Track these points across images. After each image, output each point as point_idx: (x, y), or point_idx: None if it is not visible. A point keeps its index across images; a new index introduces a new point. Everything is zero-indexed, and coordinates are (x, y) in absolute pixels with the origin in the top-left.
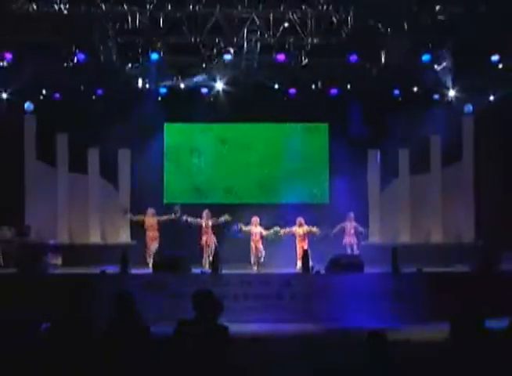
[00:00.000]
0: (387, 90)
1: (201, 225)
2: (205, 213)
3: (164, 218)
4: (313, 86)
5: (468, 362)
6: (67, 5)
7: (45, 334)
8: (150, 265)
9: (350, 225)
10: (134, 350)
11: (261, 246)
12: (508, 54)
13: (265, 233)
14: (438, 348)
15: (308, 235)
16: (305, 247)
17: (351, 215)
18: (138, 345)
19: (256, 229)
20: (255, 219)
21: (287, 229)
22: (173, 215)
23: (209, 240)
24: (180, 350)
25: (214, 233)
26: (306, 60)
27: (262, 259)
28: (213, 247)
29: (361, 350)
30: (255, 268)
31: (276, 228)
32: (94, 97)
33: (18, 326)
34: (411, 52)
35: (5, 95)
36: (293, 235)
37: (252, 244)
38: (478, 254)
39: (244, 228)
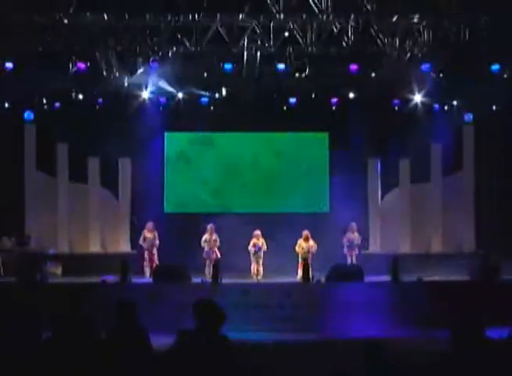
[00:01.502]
0: (387, 99)
1: (206, 240)
2: (209, 227)
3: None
4: (313, 95)
5: (469, 371)
6: (68, 15)
7: (45, 343)
8: (147, 274)
9: (352, 236)
10: (134, 360)
11: (259, 265)
12: (509, 63)
13: (264, 247)
14: (439, 357)
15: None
16: (309, 257)
17: (353, 225)
18: (138, 355)
19: (258, 242)
20: (257, 233)
21: (298, 244)
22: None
23: (212, 254)
24: (181, 360)
25: (218, 247)
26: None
27: (262, 270)
28: (214, 260)
29: (361, 359)
30: (254, 277)
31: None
32: (94, 106)
33: (17, 334)
34: (411, 61)
35: (5, 105)
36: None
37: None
38: (478, 263)
39: (252, 248)
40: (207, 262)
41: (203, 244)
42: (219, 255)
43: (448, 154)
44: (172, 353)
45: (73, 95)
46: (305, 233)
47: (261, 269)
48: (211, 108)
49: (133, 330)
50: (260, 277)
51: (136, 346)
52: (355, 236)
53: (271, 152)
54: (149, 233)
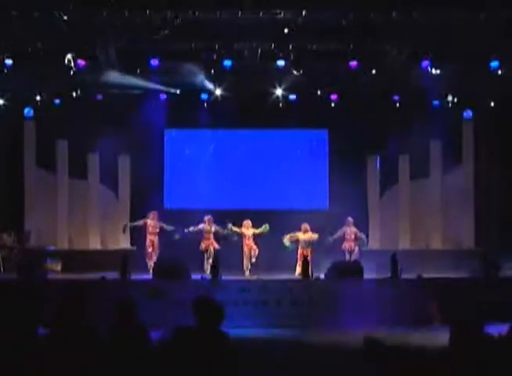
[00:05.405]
0: (386, 95)
1: (203, 231)
2: (207, 218)
3: (166, 227)
4: (314, 92)
5: (468, 367)
6: (67, 11)
7: (44, 340)
8: (150, 270)
9: (349, 231)
10: (134, 357)
11: (253, 249)
12: (508, 60)
13: (257, 231)
14: (438, 354)
15: (313, 242)
16: (309, 253)
17: (350, 219)
18: (138, 352)
19: (248, 231)
20: (247, 222)
21: (293, 234)
22: (176, 236)
23: (210, 245)
24: (181, 357)
25: (215, 239)
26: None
27: (254, 261)
28: (212, 252)
29: (360, 356)
30: (247, 273)
31: (266, 225)
32: (93, 103)
33: (16, 332)
34: (411, 58)
35: (5, 101)
36: (297, 241)
37: (245, 247)
38: (478, 260)
39: (235, 228)
40: (206, 254)
41: (192, 229)
42: (216, 246)
43: (448, 151)
44: (172, 350)
45: (73, 91)
46: (304, 225)
47: (251, 261)
48: (211, 105)
49: (132, 329)
50: (251, 271)
51: (136, 344)
52: (352, 231)
53: (270, 148)
54: (151, 221)
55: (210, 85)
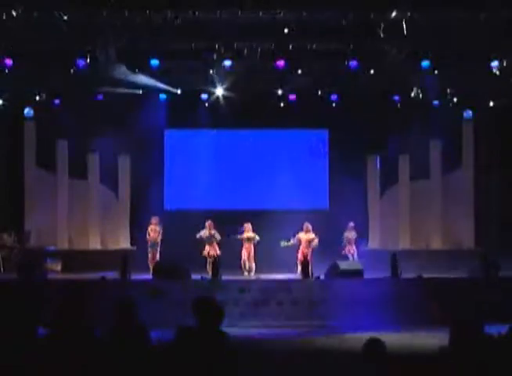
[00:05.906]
0: (386, 95)
1: (203, 237)
2: (207, 223)
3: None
4: (314, 92)
5: (468, 367)
6: (67, 11)
7: (44, 340)
8: (151, 270)
9: (351, 235)
10: (134, 357)
11: (252, 252)
12: (508, 60)
13: (252, 235)
14: (438, 354)
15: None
16: (309, 253)
17: (352, 224)
18: (138, 352)
19: (248, 234)
20: (247, 226)
21: (294, 239)
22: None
23: (212, 250)
24: (181, 357)
25: (217, 244)
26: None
27: (254, 265)
28: (214, 257)
29: (360, 356)
30: (246, 274)
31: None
32: (94, 103)
33: (16, 332)
34: (411, 58)
35: (5, 101)
36: (299, 240)
37: (244, 250)
38: (478, 260)
39: (239, 236)
40: (208, 258)
41: (198, 236)
42: (218, 252)
43: (448, 151)
44: (172, 350)
45: (73, 91)
46: (306, 225)
47: (250, 263)
48: (211, 105)
49: (132, 329)
50: (252, 273)
51: (136, 344)
52: (352, 235)
53: (270, 149)
54: (154, 227)
55: (218, 84)
